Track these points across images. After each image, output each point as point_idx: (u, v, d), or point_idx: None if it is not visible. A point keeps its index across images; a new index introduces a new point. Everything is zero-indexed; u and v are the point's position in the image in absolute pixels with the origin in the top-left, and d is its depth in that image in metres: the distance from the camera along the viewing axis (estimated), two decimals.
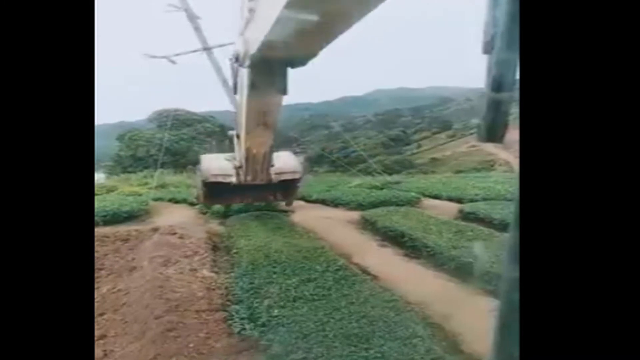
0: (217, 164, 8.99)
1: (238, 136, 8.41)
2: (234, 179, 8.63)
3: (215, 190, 8.97)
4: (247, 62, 6.53)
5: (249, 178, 8.49)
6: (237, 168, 8.57)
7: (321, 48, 5.78)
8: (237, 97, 8.09)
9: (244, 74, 7.02)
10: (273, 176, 8.72)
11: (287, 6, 4.01)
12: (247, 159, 8.19)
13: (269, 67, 6.46)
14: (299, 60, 6.36)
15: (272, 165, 8.61)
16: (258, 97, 7.03)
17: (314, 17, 4.10)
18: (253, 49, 5.95)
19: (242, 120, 7.79)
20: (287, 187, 9.46)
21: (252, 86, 6.82)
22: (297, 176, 9.29)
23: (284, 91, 6.85)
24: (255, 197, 9.54)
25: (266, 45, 5.48)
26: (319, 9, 3.96)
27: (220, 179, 8.74)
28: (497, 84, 0.88)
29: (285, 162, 9.11)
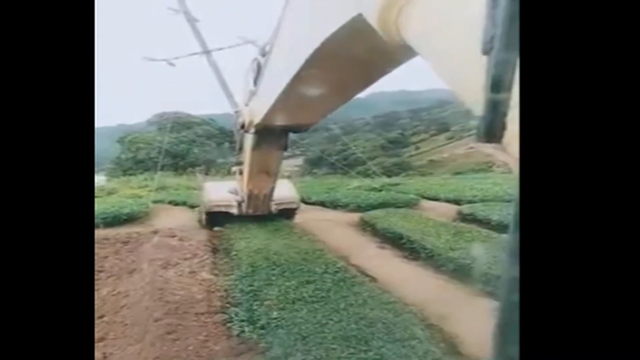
0: (219, 195, 9.40)
1: (241, 172, 8.86)
2: (235, 211, 9.07)
3: (217, 218, 9.34)
4: (252, 130, 7.01)
5: (250, 211, 9.01)
6: (239, 202, 9.03)
7: (321, 118, 6.12)
8: (241, 154, 8.61)
9: (248, 137, 7.54)
10: (273, 207, 9.21)
11: (287, 86, 4.29)
12: (249, 196, 8.71)
13: (271, 133, 6.97)
14: (300, 128, 6.75)
15: (272, 200, 9.07)
16: (261, 154, 7.56)
17: (313, 94, 4.35)
18: (257, 119, 6.41)
19: (246, 168, 8.31)
20: (286, 214, 9.77)
21: (256, 147, 7.38)
22: (294, 206, 9.75)
23: (284, 149, 7.50)
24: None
25: (269, 117, 5.93)
26: (318, 88, 4.18)
27: (222, 209, 9.16)
28: (496, 85, 0.88)
29: (284, 192, 9.54)
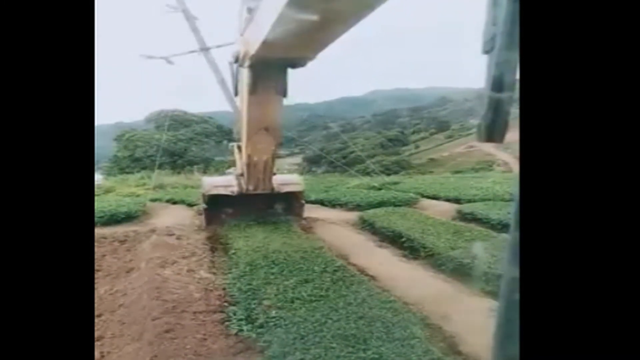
0: (218, 178, 9.35)
1: (239, 147, 8.50)
2: (235, 189, 8.65)
3: (217, 206, 9.03)
4: (247, 63, 6.53)
5: (250, 187, 8.49)
6: (239, 176, 8.61)
7: (320, 49, 5.78)
8: (238, 101, 8.15)
9: (244, 75, 7.03)
10: (275, 186, 8.71)
11: (287, 7, 3.99)
12: (248, 165, 8.19)
13: (268, 68, 6.52)
14: (299, 62, 6.36)
15: (274, 173, 8.68)
16: (258, 99, 7.02)
17: (313, 18, 4.08)
18: (253, 49, 5.93)
19: (243, 125, 7.80)
20: (290, 201, 9.50)
21: (252, 87, 6.82)
22: (299, 188, 9.32)
23: (283, 93, 6.97)
24: (259, 211, 9.44)
25: (266, 46, 5.46)
26: (318, 9, 3.94)
27: (221, 191, 8.80)
28: (497, 84, 0.88)
29: (287, 176, 9.43)
